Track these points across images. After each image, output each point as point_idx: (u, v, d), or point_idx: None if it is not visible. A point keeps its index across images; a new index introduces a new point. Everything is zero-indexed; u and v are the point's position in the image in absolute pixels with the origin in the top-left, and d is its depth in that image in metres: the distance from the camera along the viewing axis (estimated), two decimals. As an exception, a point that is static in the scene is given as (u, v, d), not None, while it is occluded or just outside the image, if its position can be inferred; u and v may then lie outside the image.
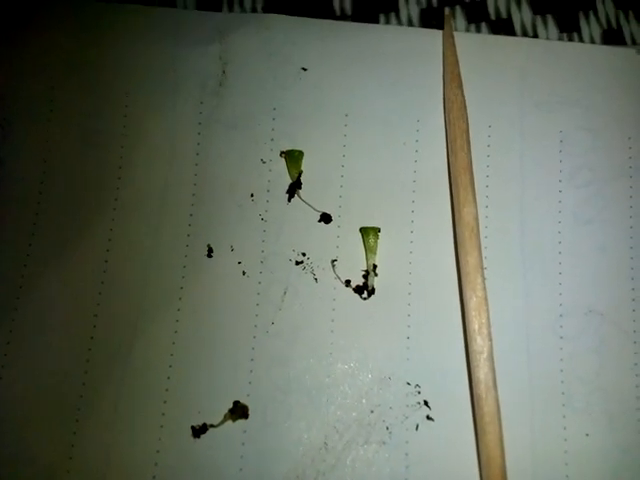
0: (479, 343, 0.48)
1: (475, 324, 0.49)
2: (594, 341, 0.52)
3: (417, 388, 0.51)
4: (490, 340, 0.48)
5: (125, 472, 0.49)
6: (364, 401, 0.51)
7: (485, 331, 0.49)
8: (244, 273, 0.54)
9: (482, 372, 0.48)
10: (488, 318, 0.49)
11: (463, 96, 0.55)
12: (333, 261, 0.54)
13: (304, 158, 0.56)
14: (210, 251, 0.54)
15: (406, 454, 0.49)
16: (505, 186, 0.55)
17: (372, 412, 0.50)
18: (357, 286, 0.54)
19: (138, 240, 0.54)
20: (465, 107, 0.54)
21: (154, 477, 0.48)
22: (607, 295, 0.53)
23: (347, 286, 0.54)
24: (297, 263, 0.54)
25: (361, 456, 0.49)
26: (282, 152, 0.56)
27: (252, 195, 0.55)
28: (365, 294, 0.53)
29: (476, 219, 0.52)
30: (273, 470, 0.49)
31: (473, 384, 0.48)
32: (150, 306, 0.52)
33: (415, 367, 0.52)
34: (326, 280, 0.54)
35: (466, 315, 0.50)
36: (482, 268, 0.50)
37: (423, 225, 0.55)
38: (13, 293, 0.52)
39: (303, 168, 0.56)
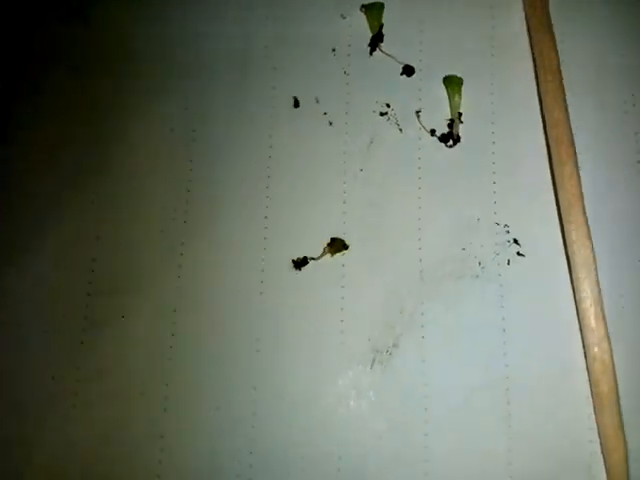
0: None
1: (564, 171, 0.50)
2: None
3: (506, 228, 0.52)
4: (579, 184, 0.50)
5: (231, 302, 0.50)
6: (455, 240, 0.52)
7: (575, 178, 0.50)
8: (330, 124, 0.54)
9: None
10: (576, 162, 0.50)
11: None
12: (417, 112, 0.55)
13: (384, 11, 0.56)
14: (296, 102, 0.54)
15: (500, 285, 0.51)
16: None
17: (464, 250, 0.52)
18: (442, 135, 0.55)
19: (225, 96, 0.55)
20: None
21: (262, 302, 0.49)
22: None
23: (432, 135, 0.55)
24: (381, 114, 0.55)
25: (456, 288, 0.50)
26: (362, 6, 0.56)
27: (334, 50, 0.56)
28: (450, 142, 0.54)
29: (558, 63, 0.53)
30: (374, 295, 0.50)
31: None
32: (242, 153, 0.53)
33: (503, 209, 0.53)
34: (411, 130, 0.55)
35: (554, 159, 0.51)
36: (567, 110, 0.51)
37: (503, 74, 0.55)
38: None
39: (384, 21, 0.56)
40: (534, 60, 0.55)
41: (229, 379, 0.47)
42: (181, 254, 0.50)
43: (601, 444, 0.47)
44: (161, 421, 0.47)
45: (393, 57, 0.56)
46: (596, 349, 0.47)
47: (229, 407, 0.47)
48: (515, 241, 0.51)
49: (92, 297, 0.49)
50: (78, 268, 0.50)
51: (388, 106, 0.55)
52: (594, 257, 0.48)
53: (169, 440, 0.47)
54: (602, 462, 0.47)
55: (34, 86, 0.53)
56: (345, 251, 0.50)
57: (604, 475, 0.46)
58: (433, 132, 0.54)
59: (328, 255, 0.50)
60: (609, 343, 0.46)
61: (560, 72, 0.53)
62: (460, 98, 0.55)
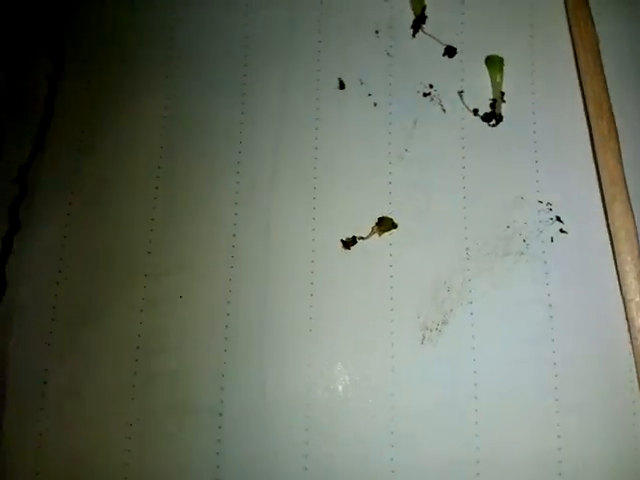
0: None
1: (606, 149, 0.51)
2: None
3: (549, 206, 0.53)
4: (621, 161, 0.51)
5: (285, 281, 0.51)
6: (499, 218, 0.53)
7: (617, 155, 0.51)
8: (375, 104, 0.55)
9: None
10: (618, 140, 0.51)
11: None
12: (460, 92, 0.56)
13: (427, -7, 0.57)
14: (342, 84, 0.55)
15: (545, 262, 0.52)
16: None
17: (508, 227, 0.53)
18: (485, 114, 0.55)
19: (271, 78, 0.56)
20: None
21: (312, 283, 0.50)
22: None
23: (475, 115, 0.55)
24: (425, 95, 0.56)
25: (502, 265, 0.51)
26: (406, -13, 0.57)
27: (377, 32, 0.57)
28: (493, 121, 0.55)
29: (597, 42, 0.53)
30: (422, 273, 0.52)
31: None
32: (289, 136, 0.54)
33: (545, 187, 0.54)
34: (454, 110, 0.56)
35: (595, 137, 0.52)
36: (607, 88, 0.52)
37: (543, 53, 0.56)
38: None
39: (425, 2, 0.57)
40: (572, 38, 0.56)
41: (282, 358, 0.49)
42: (233, 235, 0.51)
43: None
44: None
45: (435, 38, 0.56)
46: (640, 323, 0.48)
47: (284, 381, 0.48)
48: (558, 218, 0.53)
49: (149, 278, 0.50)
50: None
51: (431, 87, 0.56)
52: (636, 232, 0.49)
53: (225, 457, 0.48)
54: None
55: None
56: (394, 230, 0.51)
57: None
58: (476, 112, 0.55)
59: (376, 235, 0.51)
60: (654, 318, 0.47)
61: (599, 49, 0.54)
62: (502, 78, 0.55)
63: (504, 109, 0.55)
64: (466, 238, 0.52)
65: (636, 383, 0.48)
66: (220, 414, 0.47)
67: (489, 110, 0.55)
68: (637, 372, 0.48)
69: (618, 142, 0.51)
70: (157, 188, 0.52)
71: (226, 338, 0.49)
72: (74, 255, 0.50)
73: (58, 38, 0.55)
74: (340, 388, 0.48)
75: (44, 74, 0.54)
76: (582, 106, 0.55)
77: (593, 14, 0.55)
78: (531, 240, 0.52)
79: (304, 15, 0.57)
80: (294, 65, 0.55)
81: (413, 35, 0.57)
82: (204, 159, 0.53)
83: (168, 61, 0.55)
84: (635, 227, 0.49)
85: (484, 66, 0.56)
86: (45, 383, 0.48)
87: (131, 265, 0.50)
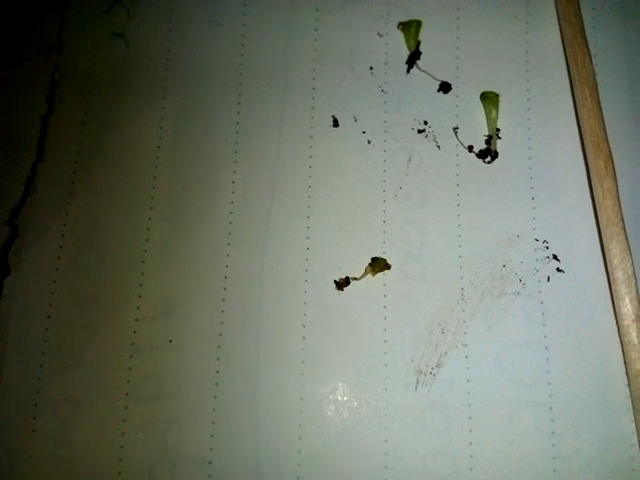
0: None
1: (603, 188, 0.50)
2: None
3: (545, 244, 0.52)
4: (618, 200, 0.50)
5: (277, 323, 0.50)
6: (495, 257, 0.52)
7: (614, 194, 0.50)
8: (369, 142, 0.55)
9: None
10: (615, 178, 0.50)
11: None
12: (455, 128, 0.55)
13: (422, 28, 0.56)
14: (335, 122, 0.55)
15: (541, 302, 0.51)
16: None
17: (504, 266, 0.52)
18: (480, 151, 0.55)
19: (265, 116, 0.55)
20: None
21: (304, 326, 0.50)
22: None
23: (470, 151, 0.55)
24: (419, 131, 0.55)
25: (498, 305, 0.51)
26: (400, 23, 0.57)
27: (371, 68, 0.56)
28: (488, 158, 0.55)
29: (594, 77, 0.53)
30: (416, 318, 0.51)
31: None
32: (283, 174, 0.54)
33: (542, 225, 0.53)
34: (449, 147, 0.55)
35: (592, 175, 0.52)
36: (604, 124, 0.51)
37: (539, 88, 0.56)
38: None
39: (420, 38, 0.56)
40: (569, 74, 0.55)
41: (274, 403, 0.48)
42: (225, 277, 0.50)
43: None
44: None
45: (430, 74, 0.56)
46: (638, 365, 0.47)
47: (276, 431, 0.47)
48: (555, 257, 0.52)
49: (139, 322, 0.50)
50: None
51: (426, 123, 0.55)
52: (634, 273, 0.48)
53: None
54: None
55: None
56: (387, 270, 0.51)
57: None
58: (471, 148, 0.55)
59: (370, 275, 0.51)
60: (651, 360, 0.47)
61: (596, 83, 0.53)
62: (497, 114, 0.55)
63: (499, 145, 0.55)
64: (461, 278, 0.51)
65: (635, 428, 0.47)
66: (210, 462, 0.46)
67: (484, 147, 0.55)
68: (635, 416, 0.47)
69: (616, 180, 0.51)
70: (149, 229, 0.51)
71: (216, 384, 0.48)
72: (63, 299, 0.50)
73: (51, 77, 0.54)
74: (332, 434, 0.47)
75: (37, 114, 0.53)
76: (579, 142, 0.54)
77: (590, 47, 0.54)
78: (527, 279, 0.51)
79: (299, 50, 0.56)
80: (288, 102, 0.55)
81: (408, 71, 0.56)
82: (197, 200, 0.52)
83: (162, 101, 0.54)
84: (633, 267, 0.49)
85: (479, 102, 0.55)
86: (34, 431, 0.47)
87: (121, 309, 0.49)
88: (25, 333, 0.49)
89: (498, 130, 0.54)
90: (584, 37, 0.55)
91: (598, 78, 0.54)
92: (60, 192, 0.52)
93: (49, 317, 0.49)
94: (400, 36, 0.57)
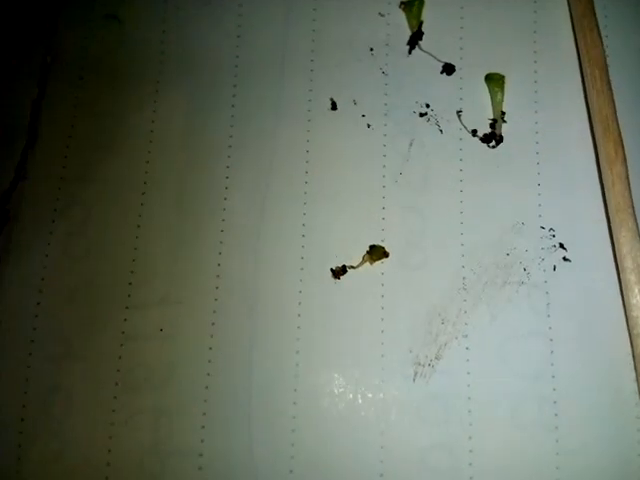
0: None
1: (612, 173, 0.48)
2: None
3: (551, 232, 0.50)
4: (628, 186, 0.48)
5: (271, 312, 0.49)
6: (499, 245, 0.50)
7: (624, 180, 0.48)
8: (369, 126, 0.53)
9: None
10: (625, 163, 0.48)
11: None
12: (458, 112, 0.53)
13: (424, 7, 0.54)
14: (334, 105, 0.53)
15: (546, 292, 0.49)
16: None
17: (508, 255, 0.50)
18: (484, 135, 0.53)
19: (262, 99, 0.54)
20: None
21: (299, 315, 0.48)
22: None
23: (474, 136, 0.53)
24: (421, 115, 0.53)
25: (501, 295, 0.49)
26: (402, 3, 0.54)
27: (371, 49, 0.54)
28: (493, 142, 0.52)
29: (604, 57, 0.50)
30: (415, 308, 0.49)
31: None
32: (279, 159, 0.52)
33: (548, 212, 0.51)
34: (452, 131, 0.53)
35: (601, 159, 0.49)
36: (614, 106, 0.49)
37: (547, 70, 0.53)
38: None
39: (423, 18, 0.54)
40: (579, 54, 0.53)
41: (268, 394, 0.46)
42: (218, 265, 0.49)
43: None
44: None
45: (433, 55, 0.54)
46: (647, 359, 0.45)
47: (268, 425, 0.46)
48: (561, 245, 0.50)
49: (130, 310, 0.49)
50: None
51: (428, 106, 0.53)
52: (645, 262, 0.46)
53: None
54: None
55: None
56: (385, 259, 0.49)
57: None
58: (475, 132, 0.53)
59: (367, 263, 0.49)
60: (660, 353, 0.45)
61: (606, 64, 0.51)
62: (502, 96, 0.53)
63: (505, 130, 0.53)
64: (463, 266, 0.49)
65: (642, 422, 0.45)
66: (200, 454, 0.45)
67: (489, 131, 0.53)
68: (643, 411, 0.45)
69: (626, 165, 0.49)
70: (140, 216, 0.50)
71: (208, 374, 0.47)
72: (54, 286, 0.49)
73: (43, 61, 0.53)
74: (327, 426, 0.46)
75: (29, 99, 0.52)
76: (588, 126, 0.52)
77: (601, 27, 0.51)
78: (532, 269, 0.49)
79: (297, 30, 0.55)
80: (283, 85, 0.53)
81: (409, 52, 0.54)
82: (190, 186, 0.51)
83: (157, 84, 0.53)
84: None
85: (484, 84, 0.53)
86: (22, 420, 0.46)
87: (112, 297, 0.48)
88: (14, 321, 0.48)
89: (503, 113, 0.52)
90: (594, 15, 0.52)
91: (609, 59, 0.51)
92: (51, 177, 0.51)
93: (39, 304, 0.48)
94: (402, 16, 0.55)
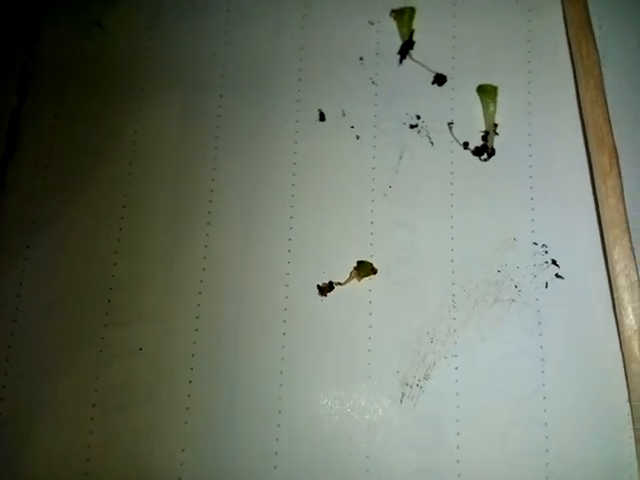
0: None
1: (607, 186, 0.47)
2: None
3: (544, 248, 0.49)
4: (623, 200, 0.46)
5: (255, 330, 0.47)
6: (490, 261, 0.49)
7: (619, 194, 0.47)
8: (358, 137, 0.51)
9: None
10: (620, 176, 0.47)
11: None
12: (449, 123, 0.52)
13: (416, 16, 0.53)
14: (322, 116, 0.51)
15: (538, 311, 0.48)
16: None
17: (499, 272, 0.49)
18: (476, 147, 0.51)
19: (248, 109, 0.52)
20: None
21: (284, 334, 0.47)
22: None
23: (465, 148, 0.51)
24: (412, 126, 0.52)
25: (491, 313, 0.47)
26: (393, 11, 0.53)
27: (361, 59, 0.53)
28: (485, 155, 0.51)
29: (599, 67, 0.49)
30: (403, 327, 0.48)
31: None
32: (265, 171, 0.51)
33: (541, 227, 0.50)
34: (443, 143, 0.52)
35: (596, 173, 0.48)
36: (609, 118, 0.47)
37: (541, 82, 0.52)
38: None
39: (414, 27, 0.53)
40: (573, 65, 0.51)
41: (250, 416, 0.45)
42: (201, 281, 0.48)
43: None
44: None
45: (424, 65, 0.52)
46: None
47: (252, 446, 0.44)
48: (554, 262, 0.48)
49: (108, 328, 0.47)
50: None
51: (418, 118, 0.52)
52: (639, 280, 0.45)
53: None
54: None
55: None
56: (373, 275, 0.47)
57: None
58: (466, 145, 0.51)
59: (355, 280, 0.48)
60: (654, 374, 0.43)
61: (601, 76, 0.49)
62: (495, 108, 0.51)
63: (497, 142, 0.51)
64: (453, 283, 0.48)
65: (634, 446, 0.44)
66: (179, 478, 0.44)
67: (481, 143, 0.51)
68: (635, 433, 0.44)
69: (620, 179, 0.47)
70: (121, 230, 0.49)
71: (189, 395, 0.45)
72: (31, 304, 0.47)
73: (23, 68, 0.51)
74: (311, 449, 0.44)
75: (8, 107, 0.50)
76: (582, 139, 0.50)
77: (596, 37, 0.50)
78: (524, 286, 0.48)
79: (285, 38, 0.53)
80: (271, 95, 0.52)
81: (400, 62, 0.53)
82: (174, 198, 0.49)
83: (141, 92, 0.51)
84: (637, 274, 0.45)
85: (476, 95, 0.52)
86: (-3, 441, 0.45)
87: (89, 314, 0.46)
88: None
89: (496, 125, 0.51)
90: (590, 25, 0.51)
91: (604, 69, 0.50)
92: (31, 188, 0.49)
93: (15, 322, 0.47)
94: (393, 24, 0.54)
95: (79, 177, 0.50)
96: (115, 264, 0.48)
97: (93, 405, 0.45)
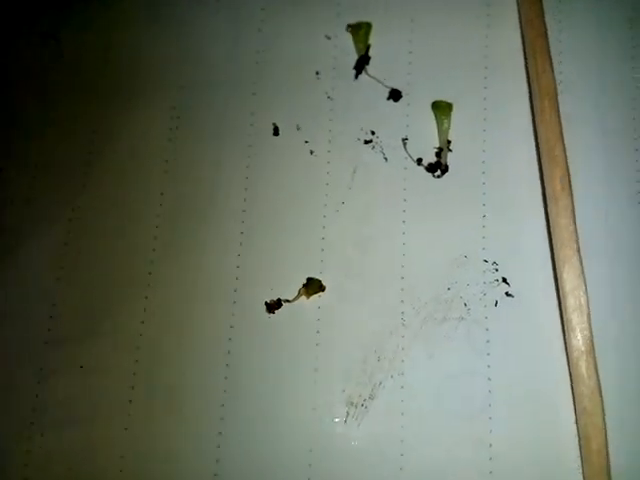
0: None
1: (558, 206, 0.47)
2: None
3: (494, 265, 0.49)
4: (574, 221, 0.46)
5: (199, 348, 0.47)
6: (440, 279, 0.48)
7: (570, 214, 0.46)
8: (312, 152, 0.51)
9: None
10: (571, 197, 0.46)
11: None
12: (404, 139, 0.51)
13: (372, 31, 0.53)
14: (276, 130, 0.51)
15: (486, 329, 0.47)
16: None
17: (449, 289, 0.48)
18: (429, 164, 0.51)
19: (201, 123, 0.52)
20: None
21: (229, 352, 0.46)
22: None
23: (419, 165, 0.51)
24: (366, 142, 0.52)
25: (440, 331, 0.47)
26: (349, 25, 0.53)
27: (317, 73, 0.53)
28: (438, 172, 0.51)
29: (555, 85, 0.49)
30: (351, 345, 0.47)
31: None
32: (217, 185, 0.50)
33: (492, 245, 0.49)
34: (396, 159, 0.52)
35: (548, 192, 0.48)
36: (562, 138, 0.47)
37: (496, 99, 0.52)
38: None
39: (370, 42, 0.53)
40: (529, 84, 0.51)
41: (191, 435, 0.45)
42: (146, 298, 0.47)
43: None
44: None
45: (379, 80, 0.52)
46: (587, 401, 0.44)
47: (188, 467, 0.44)
48: (504, 280, 0.48)
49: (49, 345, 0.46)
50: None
51: (373, 133, 0.51)
52: (587, 302, 0.45)
53: None
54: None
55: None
56: (322, 293, 0.47)
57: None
58: (420, 161, 0.51)
59: (304, 297, 0.47)
60: (600, 395, 0.43)
61: (556, 94, 0.49)
62: (449, 125, 0.51)
63: (451, 158, 0.51)
64: (402, 301, 0.48)
65: (580, 465, 0.43)
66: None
67: (434, 160, 0.51)
68: (582, 456, 0.44)
69: (572, 200, 0.47)
70: (67, 244, 0.48)
71: (129, 414, 0.45)
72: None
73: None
74: (252, 470, 0.44)
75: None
76: (536, 157, 0.50)
77: (556, 53, 0.51)
78: (473, 304, 0.48)
79: (240, 50, 0.53)
80: (226, 107, 0.51)
81: (356, 77, 0.52)
82: (120, 213, 0.49)
83: (95, 104, 0.51)
84: (586, 295, 0.45)
85: (431, 111, 0.51)
86: None
87: (30, 330, 0.46)
88: None
89: (449, 142, 0.51)
90: (546, 40, 0.51)
91: (562, 85, 0.50)
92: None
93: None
94: (349, 39, 0.53)
95: (27, 191, 0.49)
96: (58, 279, 0.47)
97: (31, 423, 0.45)
